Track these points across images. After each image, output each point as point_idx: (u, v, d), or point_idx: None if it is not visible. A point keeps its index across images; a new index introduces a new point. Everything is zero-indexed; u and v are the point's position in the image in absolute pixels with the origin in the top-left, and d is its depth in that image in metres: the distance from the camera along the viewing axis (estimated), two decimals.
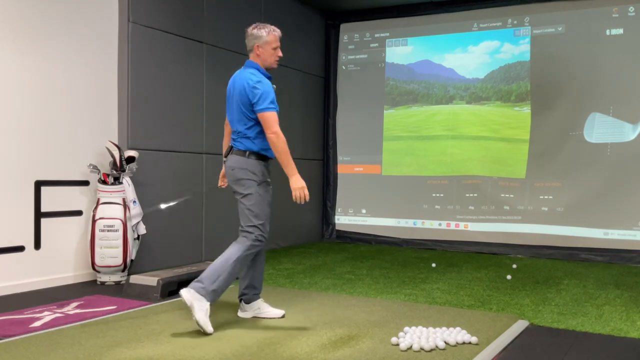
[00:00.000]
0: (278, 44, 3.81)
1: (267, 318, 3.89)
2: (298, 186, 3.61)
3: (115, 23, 5.50)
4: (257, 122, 3.70)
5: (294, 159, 3.71)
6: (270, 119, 3.62)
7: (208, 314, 3.51)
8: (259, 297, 3.96)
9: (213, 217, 6.35)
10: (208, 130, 6.33)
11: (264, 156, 3.78)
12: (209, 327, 3.48)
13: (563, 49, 7.08)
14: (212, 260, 5.62)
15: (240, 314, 3.95)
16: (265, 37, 3.76)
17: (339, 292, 4.82)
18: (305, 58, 8.04)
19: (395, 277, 5.52)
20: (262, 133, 3.71)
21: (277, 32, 3.82)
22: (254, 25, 3.81)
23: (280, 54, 3.84)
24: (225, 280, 3.58)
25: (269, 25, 3.82)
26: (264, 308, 3.94)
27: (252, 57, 3.82)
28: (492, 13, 7.51)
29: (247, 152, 3.73)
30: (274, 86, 3.85)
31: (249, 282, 3.89)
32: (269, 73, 3.85)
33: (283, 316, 3.92)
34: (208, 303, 3.52)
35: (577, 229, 6.94)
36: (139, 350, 3.20)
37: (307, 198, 3.63)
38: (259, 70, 3.78)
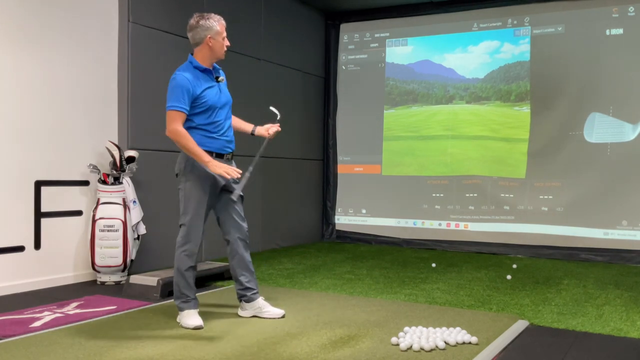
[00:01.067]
0: (225, 33, 3.72)
1: (267, 318, 3.88)
2: (218, 171, 3.54)
3: (115, 23, 5.50)
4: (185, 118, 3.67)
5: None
6: (168, 117, 3.58)
7: (189, 317, 3.69)
8: (258, 296, 3.96)
9: (213, 217, 6.33)
10: None
11: (204, 151, 3.64)
12: (194, 324, 3.64)
13: (563, 49, 7.08)
14: (212, 260, 5.64)
15: (240, 312, 3.96)
16: (216, 27, 3.65)
17: (339, 292, 4.82)
18: (305, 58, 8.03)
19: (395, 277, 5.52)
20: (190, 128, 3.65)
21: (223, 21, 3.74)
22: (198, 16, 3.68)
23: (228, 43, 3.73)
24: (177, 285, 3.74)
25: (212, 14, 3.71)
26: (264, 307, 3.93)
27: (198, 50, 3.68)
28: (492, 13, 7.51)
29: None
30: (222, 78, 3.77)
31: (240, 284, 3.90)
32: (218, 64, 3.80)
33: (283, 316, 3.92)
34: (182, 311, 3.73)
35: (577, 229, 6.94)
36: (139, 350, 3.20)
37: (235, 175, 3.56)
38: (190, 64, 3.67)
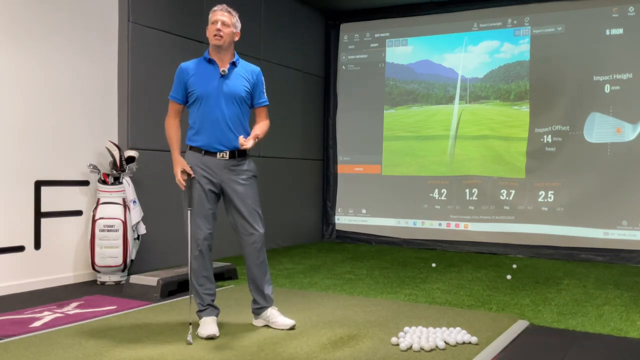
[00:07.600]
0: (215, 18, 3.53)
1: (277, 329, 3.60)
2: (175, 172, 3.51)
3: (115, 23, 5.50)
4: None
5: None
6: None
7: (203, 324, 3.50)
8: (266, 309, 3.67)
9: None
10: None
11: (192, 147, 3.54)
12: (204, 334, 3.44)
13: (563, 49, 7.08)
14: (213, 260, 5.63)
15: (253, 321, 3.75)
16: (210, 15, 3.58)
17: (339, 292, 4.82)
18: (305, 58, 8.04)
19: (395, 277, 5.52)
20: (193, 124, 3.56)
21: (218, 6, 3.58)
22: None
23: (217, 26, 3.50)
24: (192, 293, 3.55)
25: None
26: (272, 318, 3.65)
27: None
28: (492, 13, 7.51)
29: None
30: (224, 69, 3.52)
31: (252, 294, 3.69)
32: (214, 50, 3.56)
33: (293, 327, 3.61)
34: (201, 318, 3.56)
35: (577, 229, 6.94)
36: (139, 350, 3.20)
37: (180, 184, 3.50)
38: (204, 54, 3.61)
